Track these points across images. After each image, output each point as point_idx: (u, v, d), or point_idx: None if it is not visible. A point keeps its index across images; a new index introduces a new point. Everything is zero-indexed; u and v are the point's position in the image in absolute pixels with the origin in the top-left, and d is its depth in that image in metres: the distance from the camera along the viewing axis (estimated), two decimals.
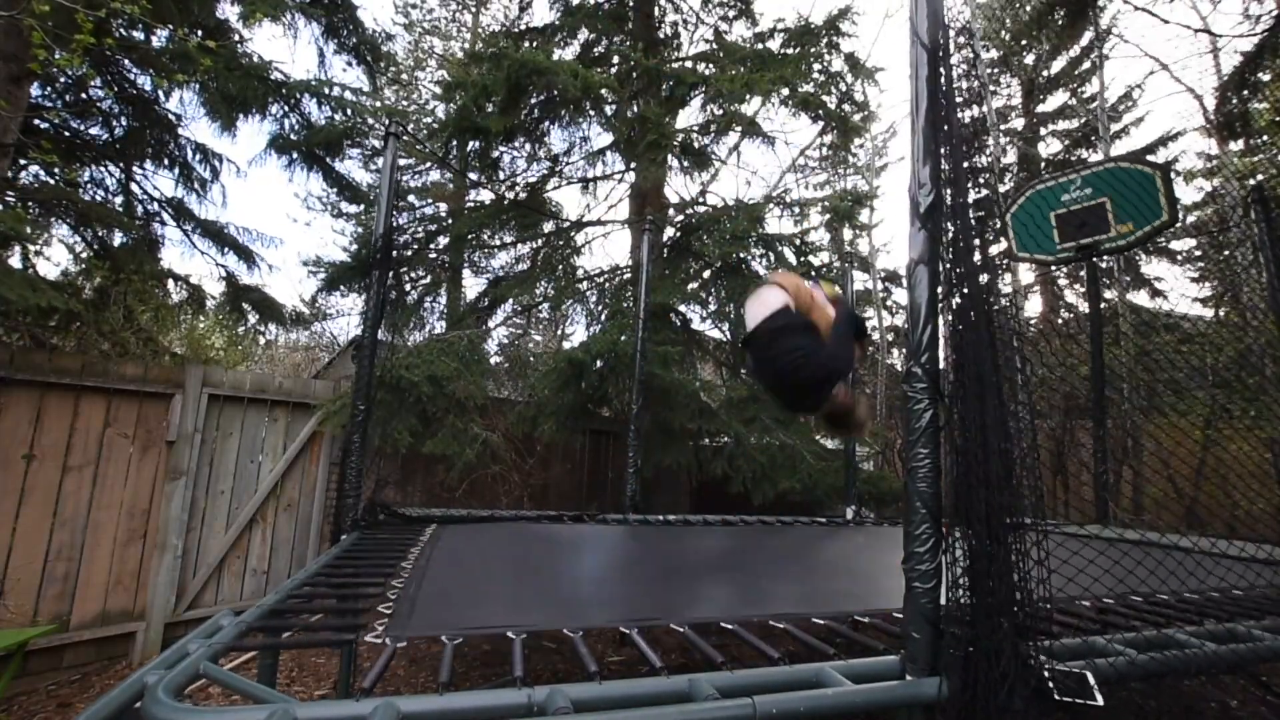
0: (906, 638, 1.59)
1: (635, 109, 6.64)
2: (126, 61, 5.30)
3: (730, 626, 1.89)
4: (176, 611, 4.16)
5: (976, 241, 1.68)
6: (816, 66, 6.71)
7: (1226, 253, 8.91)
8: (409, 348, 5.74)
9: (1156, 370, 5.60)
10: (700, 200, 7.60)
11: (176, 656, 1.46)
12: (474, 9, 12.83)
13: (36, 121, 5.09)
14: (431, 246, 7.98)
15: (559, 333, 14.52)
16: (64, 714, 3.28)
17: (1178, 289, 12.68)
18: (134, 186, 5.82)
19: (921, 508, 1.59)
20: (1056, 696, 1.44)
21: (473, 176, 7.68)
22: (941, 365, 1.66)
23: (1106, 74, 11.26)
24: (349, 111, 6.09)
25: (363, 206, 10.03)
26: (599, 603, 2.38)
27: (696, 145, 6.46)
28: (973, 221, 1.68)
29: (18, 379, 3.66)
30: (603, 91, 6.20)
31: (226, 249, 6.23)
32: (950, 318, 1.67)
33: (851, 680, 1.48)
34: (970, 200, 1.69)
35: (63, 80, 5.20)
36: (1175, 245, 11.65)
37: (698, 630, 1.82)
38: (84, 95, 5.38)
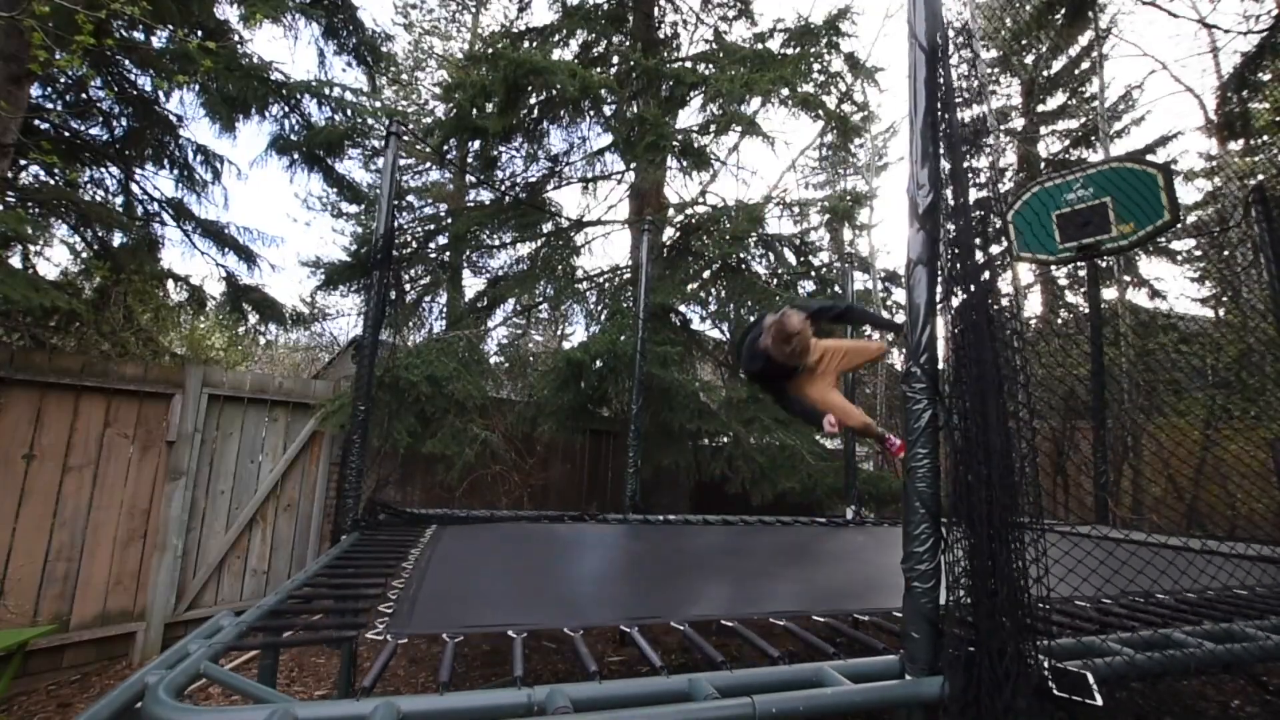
0: (906, 637, 1.60)
1: (634, 109, 6.65)
2: (127, 62, 5.30)
3: (730, 624, 1.89)
4: (176, 611, 4.17)
5: (976, 242, 1.68)
6: (816, 66, 6.72)
7: (1226, 253, 8.91)
8: (409, 348, 5.75)
9: (1156, 370, 5.60)
10: (700, 200, 7.61)
11: (177, 657, 1.46)
12: (474, 9, 12.84)
13: (37, 122, 5.08)
14: (431, 246, 7.98)
15: (559, 333, 14.53)
16: (64, 714, 3.28)
17: (1178, 289, 12.69)
18: (134, 187, 5.81)
19: (921, 508, 1.60)
20: (1056, 693, 1.44)
21: (472, 177, 7.69)
22: (941, 365, 1.67)
23: (1106, 74, 11.26)
24: (349, 112, 6.08)
25: (363, 206, 10.02)
26: (599, 602, 2.38)
27: (696, 145, 6.46)
28: (972, 222, 1.68)
29: (18, 379, 3.67)
30: (602, 92, 6.20)
31: (227, 249, 6.22)
32: (950, 318, 1.67)
33: (851, 680, 1.49)
34: (969, 201, 1.69)
35: (63, 81, 5.20)
36: (1175, 245, 11.65)
37: (697, 629, 1.83)
38: (84, 95, 5.37)
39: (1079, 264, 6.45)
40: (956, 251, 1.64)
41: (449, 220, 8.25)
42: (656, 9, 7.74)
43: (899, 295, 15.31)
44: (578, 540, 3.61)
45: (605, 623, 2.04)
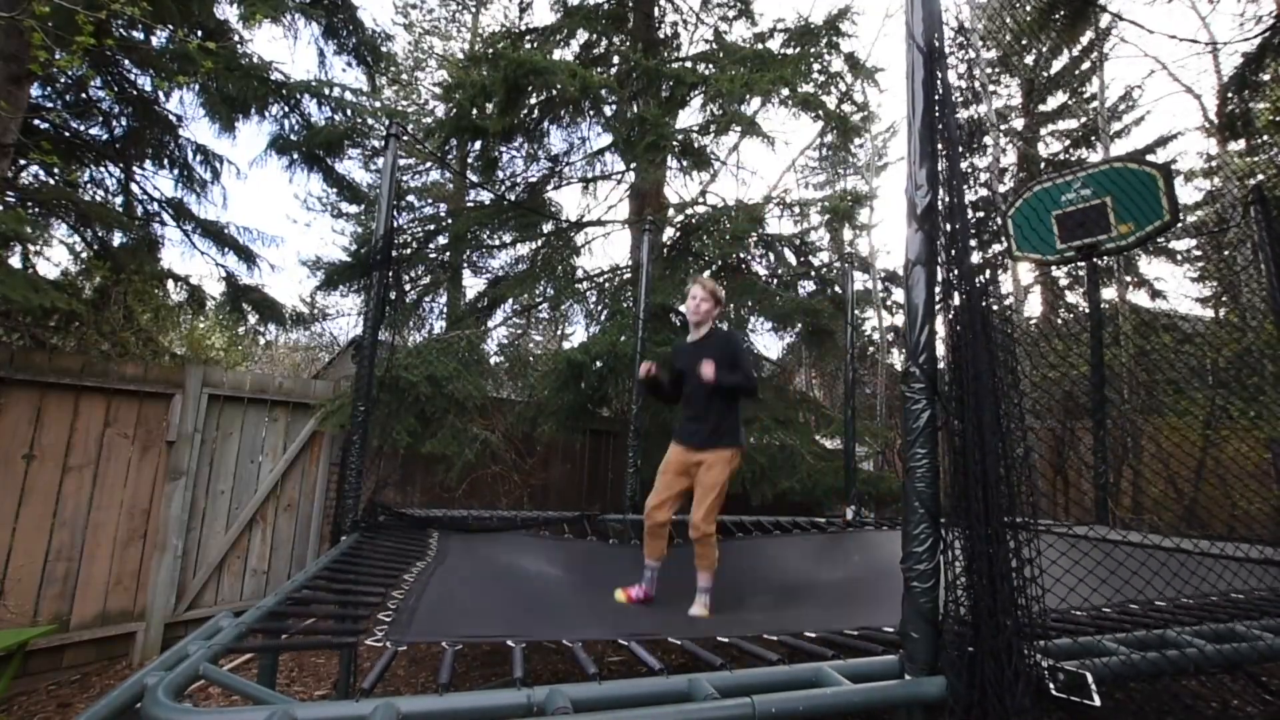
0: (905, 637, 1.60)
1: (634, 109, 6.65)
2: (126, 62, 5.30)
3: (726, 640, 1.89)
4: (176, 611, 4.17)
5: (974, 242, 1.68)
6: (816, 66, 6.71)
7: (1226, 253, 8.91)
8: (409, 348, 5.74)
9: (1156, 370, 5.60)
10: (700, 200, 7.61)
11: (176, 658, 1.46)
12: (474, 9, 12.84)
13: (36, 122, 5.08)
14: (431, 246, 7.98)
15: (559, 333, 14.53)
16: (64, 714, 3.28)
17: (1177, 289, 12.70)
18: (134, 187, 5.81)
19: (920, 507, 1.60)
20: (1055, 693, 1.44)
21: (472, 177, 7.69)
22: (940, 365, 1.67)
23: (1106, 74, 11.26)
24: (349, 112, 6.09)
25: (363, 206, 10.03)
26: (598, 616, 2.38)
27: (696, 145, 6.45)
28: (970, 222, 1.68)
29: (18, 379, 3.66)
30: (602, 92, 6.20)
31: (226, 249, 6.22)
32: (948, 318, 1.67)
33: (850, 680, 1.49)
34: (967, 201, 1.69)
35: (63, 80, 5.20)
36: (1175, 245, 11.66)
37: (695, 643, 1.83)
38: (84, 95, 5.37)
39: (1078, 264, 6.45)
40: (954, 252, 1.64)
41: (449, 220, 8.25)
42: (656, 9, 7.74)
43: (899, 295, 15.32)
44: (577, 554, 3.62)
45: (604, 637, 2.05)
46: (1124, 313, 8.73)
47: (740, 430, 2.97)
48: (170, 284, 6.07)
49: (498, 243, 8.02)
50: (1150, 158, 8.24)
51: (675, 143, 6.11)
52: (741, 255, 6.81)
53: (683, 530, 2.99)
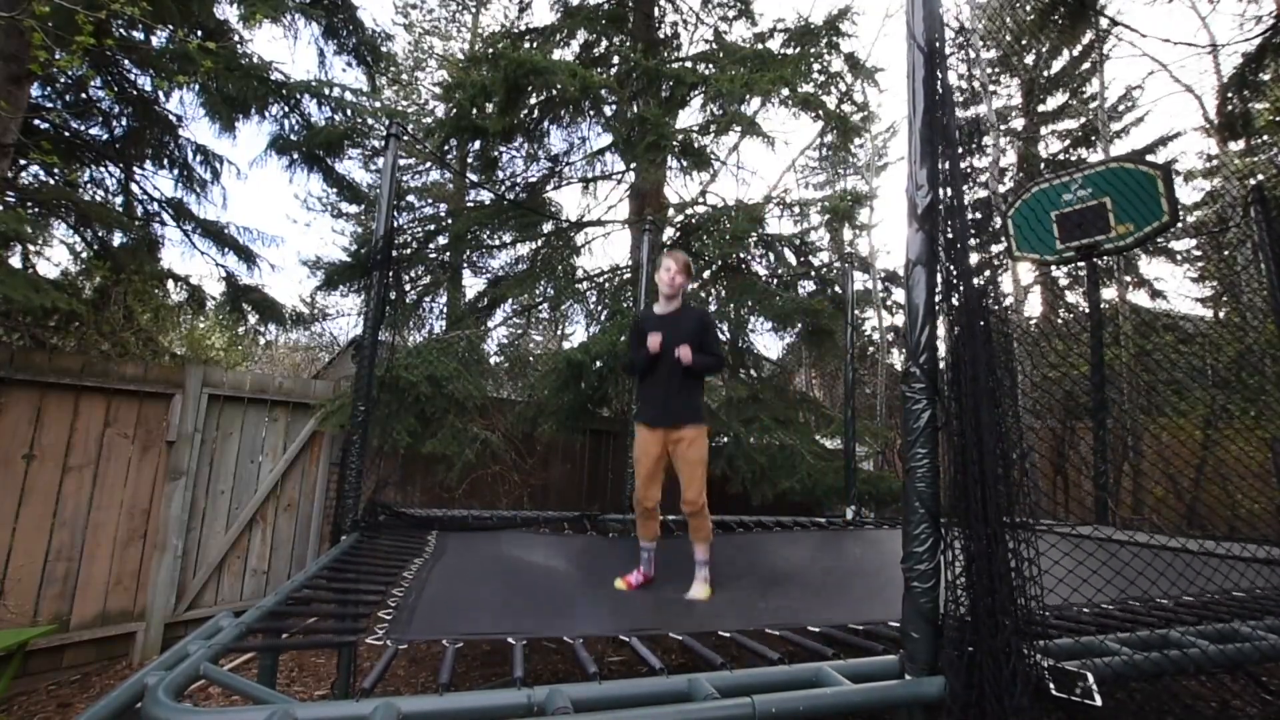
0: (906, 637, 1.60)
1: (635, 109, 6.64)
2: (126, 62, 5.30)
3: (727, 634, 1.90)
4: (176, 611, 4.17)
5: (974, 242, 1.68)
6: (816, 66, 6.71)
7: (1226, 253, 8.92)
8: (409, 348, 5.74)
9: (1156, 370, 5.60)
10: (700, 200, 7.61)
11: (176, 658, 1.46)
12: (474, 9, 12.84)
13: (36, 122, 5.08)
14: (431, 246, 7.98)
15: (559, 333, 14.52)
16: (64, 714, 3.28)
17: (1177, 289, 12.71)
18: (134, 187, 5.81)
19: (920, 507, 1.59)
20: (1055, 693, 1.44)
21: (472, 177, 7.69)
22: (940, 365, 1.67)
23: (1107, 74, 11.26)
24: (349, 112, 6.08)
25: (363, 206, 10.04)
26: (598, 612, 2.38)
27: (696, 145, 6.46)
28: (970, 222, 1.68)
29: (18, 379, 3.66)
30: (602, 92, 6.20)
31: (226, 249, 6.22)
32: (948, 318, 1.67)
33: (851, 680, 1.49)
34: (968, 201, 1.69)
35: (63, 80, 5.20)
36: (1175, 245, 11.66)
37: (696, 638, 1.83)
38: (84, 95, 5.38)
39: (1078, 264, 6.46)
40: (954, 252, 1.64)
41: (449, 220, 8.25)
42: (656, 9, 7.74)
43: (899, 295, 15.32)
44: (577, 551, 3.61)
45: (604, 633, 2.06)
46: (1124, 313, 8.73)
47: (703, 406, 3.06)
48: (170, 284, 6.07)
49: (498, 243, 8.02)
50: (1150, 158, 8.24)
51: (675, 143, 6.10)
52: (741, 255, 6.81)
53: (669, 509, 2.99)
